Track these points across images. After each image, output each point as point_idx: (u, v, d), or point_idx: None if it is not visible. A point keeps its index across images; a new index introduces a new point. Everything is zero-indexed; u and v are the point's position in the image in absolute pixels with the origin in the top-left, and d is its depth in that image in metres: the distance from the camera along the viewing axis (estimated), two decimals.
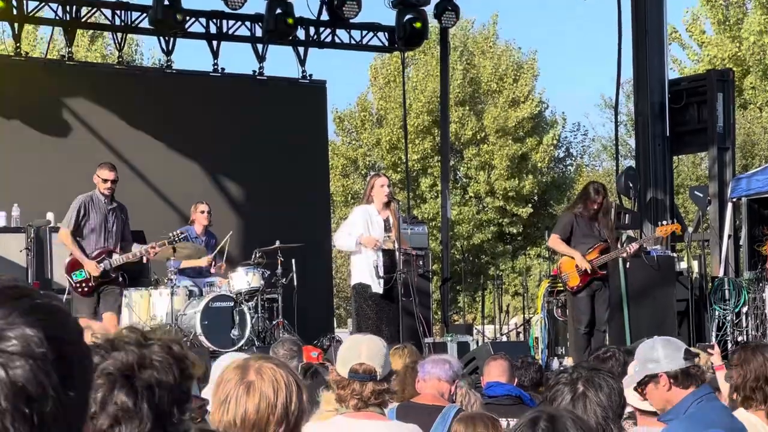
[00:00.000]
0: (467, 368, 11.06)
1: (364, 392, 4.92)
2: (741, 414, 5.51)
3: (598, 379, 4.03)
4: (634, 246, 13.78)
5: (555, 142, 40.31)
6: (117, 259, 12.00)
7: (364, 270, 12.34)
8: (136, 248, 12.35)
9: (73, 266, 12.01)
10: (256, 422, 3.46)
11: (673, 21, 37.44)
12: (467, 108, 38.44)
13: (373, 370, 4.94)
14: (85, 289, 11.92)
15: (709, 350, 8.17)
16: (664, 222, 15.42)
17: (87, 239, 12.01)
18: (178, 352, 2.25)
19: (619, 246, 13.49)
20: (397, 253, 12.28)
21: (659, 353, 5.26)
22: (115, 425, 2.16)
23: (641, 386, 5.24)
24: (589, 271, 12.76)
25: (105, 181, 11.99)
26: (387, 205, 12.38)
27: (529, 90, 39.28)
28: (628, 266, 14.34)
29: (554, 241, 13.11)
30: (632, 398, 5.40)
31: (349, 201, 39.47)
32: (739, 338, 16.52)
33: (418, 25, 19.06)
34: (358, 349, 5.03)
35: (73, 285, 11.96)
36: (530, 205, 39.70)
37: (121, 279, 12.33)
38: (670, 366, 5.20)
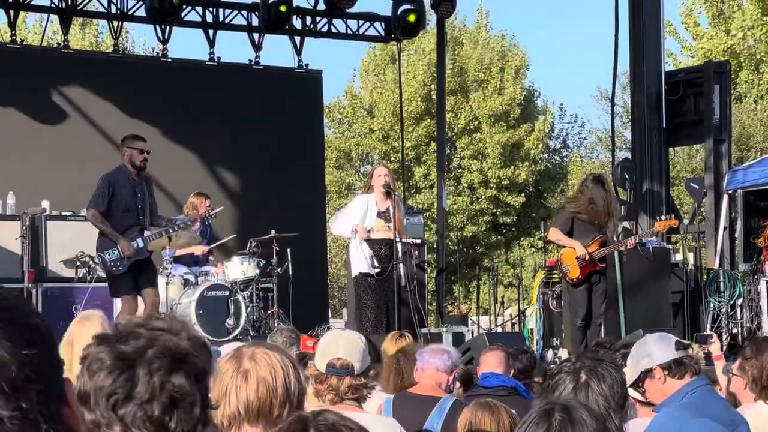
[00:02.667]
0: (462, 359, 11.05)
1: (340, 387, 4.93)
2: (760, 407, 5.52)
3: (601, 369, 4.02)
4: (633, 240, 13.77)
5: (547, 130, 40.34)
6: (151, 236, 11.70)
7: (362, 260, 12.34)
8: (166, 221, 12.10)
9: (104, 245, 11.57)
10: (260, 408, 3.45)
11: (668, 14, 37.50)
12: (459, 96, 38.45)
13: (350, 365, 4.94)
14: (119, 267, 11.50)
15: (710, 340, 8.17)
16: (663, 217, 15.42)
17: (118, 218, 11.56)
18: (187, 347, 2.24)
19: (616, 238, 13.45)
20: (396, 244, 12.26)
21: (651, 348, 5.30)
22: (167, 411, 2.15)
23: (639, 385, 5.24)
24: (587, 260, 12.71)
25: (142, 152, 11.58)
26: (388, 195, 12.36)
27: (516, 74, 39.25)
28: (624, 259, 14.33)
29: (554, 233, 13.03)
30: (633, 390, 5.40)
31: (342, 192, 39.42)
32: (734, 330, 16.54)
33: (411, 18, 19.02)
34: (335, 343, 5.03)
35: (108, 264, 11.55)
36: (523, 195, 39.73)
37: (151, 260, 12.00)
38: (662, 358, 5.22)
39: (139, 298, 11.69)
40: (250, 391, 3.47)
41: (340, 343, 5.01)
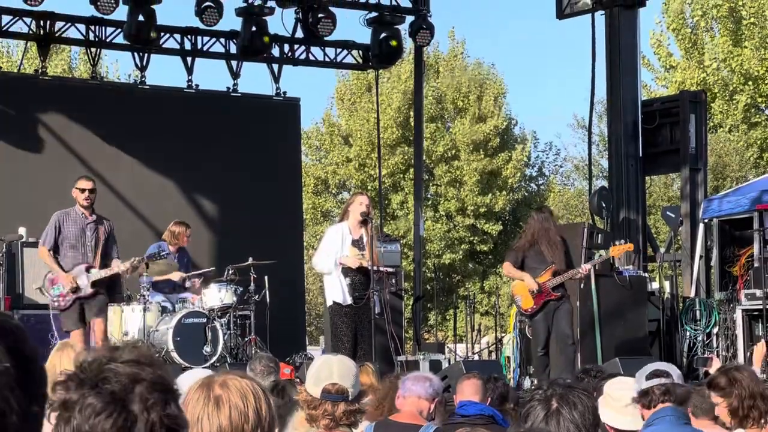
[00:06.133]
0: None
1: (336, 412, 4.93)
2: None
3: (572, 396, 4.02)
4: (587, 267, 13.80)
5: (525, 158, 40.44)
6: (95, 273, 11.95)
7: (337, 290, 12.34)
8: (115, 264, 12.28)
9: (53, 281, 11.97)
10: None
11: (640, 45, 37.47)
12: (439, 123, 38.53)
13: (346, 390, 4.95)
14: (61, 302, 11.87)
15: (710, 362, 8.30)
16: (619, 242, 15.52)
17: (65, 255, 11.96)
18: (166, 376, 2.24)
19: (581, 267, 13.50)
20: (370, 272, 12.27)
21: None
22: None
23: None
24: (537, 292, 12.82)
25: (83, 191, 11.95)
26: (363, 223, 12.38)
27: (495, 100, 39.36)
28: (589, 282, 14.41)
29: (507, 268, 13.34)
30: (607, 416, 5.43)
31: (319, 219, 39.39)
32: None
33: (394, 43, 19.10)
34: (329, 369, 5.03)
35: (52, 299, 11.93)
36: (501, 223, 39.79)
37: (101, 293, 12.18)
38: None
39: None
40: (223, 417, 3.48)
41: (333, 368, 5.01)
